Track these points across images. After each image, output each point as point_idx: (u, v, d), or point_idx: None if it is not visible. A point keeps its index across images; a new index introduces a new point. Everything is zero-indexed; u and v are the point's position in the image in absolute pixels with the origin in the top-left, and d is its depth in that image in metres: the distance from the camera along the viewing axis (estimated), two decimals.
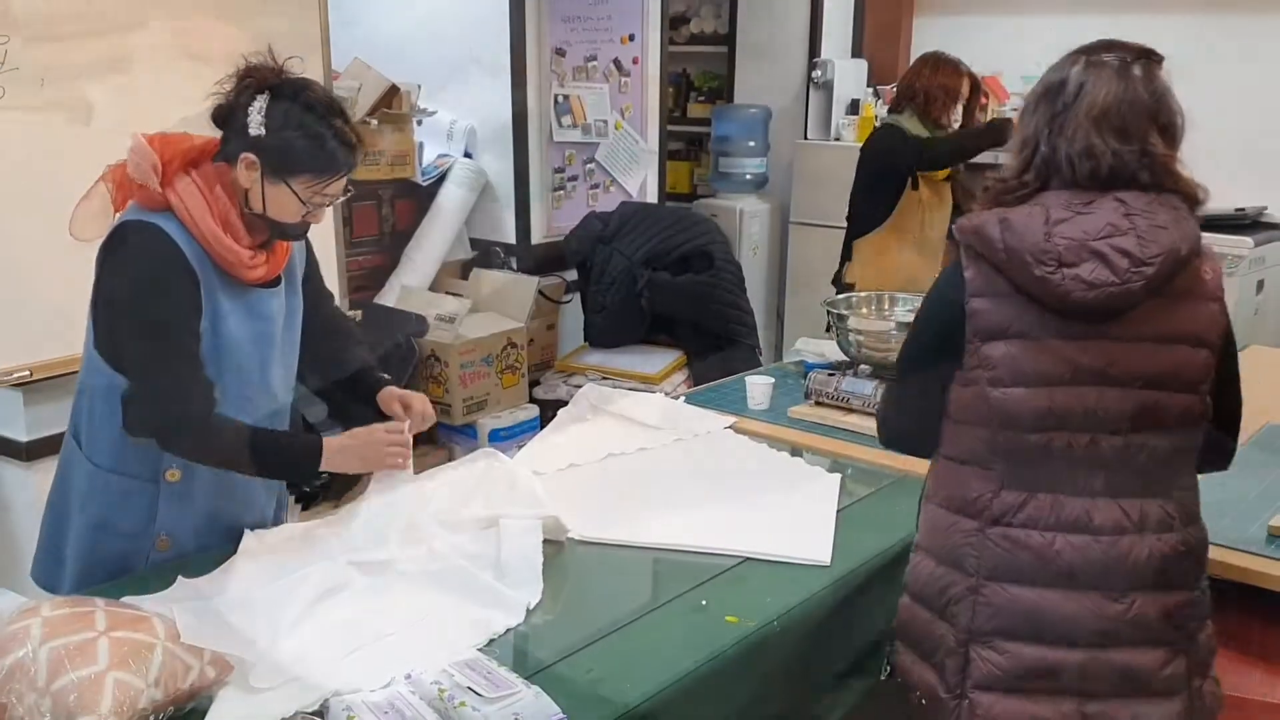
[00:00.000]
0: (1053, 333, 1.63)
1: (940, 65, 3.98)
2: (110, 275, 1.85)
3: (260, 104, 1.83)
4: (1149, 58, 1.66)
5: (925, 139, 3.90)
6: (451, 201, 4.53)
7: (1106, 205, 1.62)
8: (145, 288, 1.83)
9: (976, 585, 1.71)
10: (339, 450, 1.97)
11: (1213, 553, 2.01)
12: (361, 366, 2.20)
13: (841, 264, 4.10)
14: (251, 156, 1.84)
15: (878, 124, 4.20)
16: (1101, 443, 1.65)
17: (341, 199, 1.97)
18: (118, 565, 1.95)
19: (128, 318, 1.85)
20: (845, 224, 4.15)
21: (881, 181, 3.97)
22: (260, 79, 1.86)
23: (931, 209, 4.00)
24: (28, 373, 2.76)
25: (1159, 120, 1.63)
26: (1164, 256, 1.59)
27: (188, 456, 1.92)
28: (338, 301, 3.65)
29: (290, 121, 1.84)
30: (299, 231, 1.96)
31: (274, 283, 1.99)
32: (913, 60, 4.18)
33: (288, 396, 2.12)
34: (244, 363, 1.95)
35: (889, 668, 1.92)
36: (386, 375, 2.19)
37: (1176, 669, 1.69)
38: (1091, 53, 1.67)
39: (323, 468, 1.94)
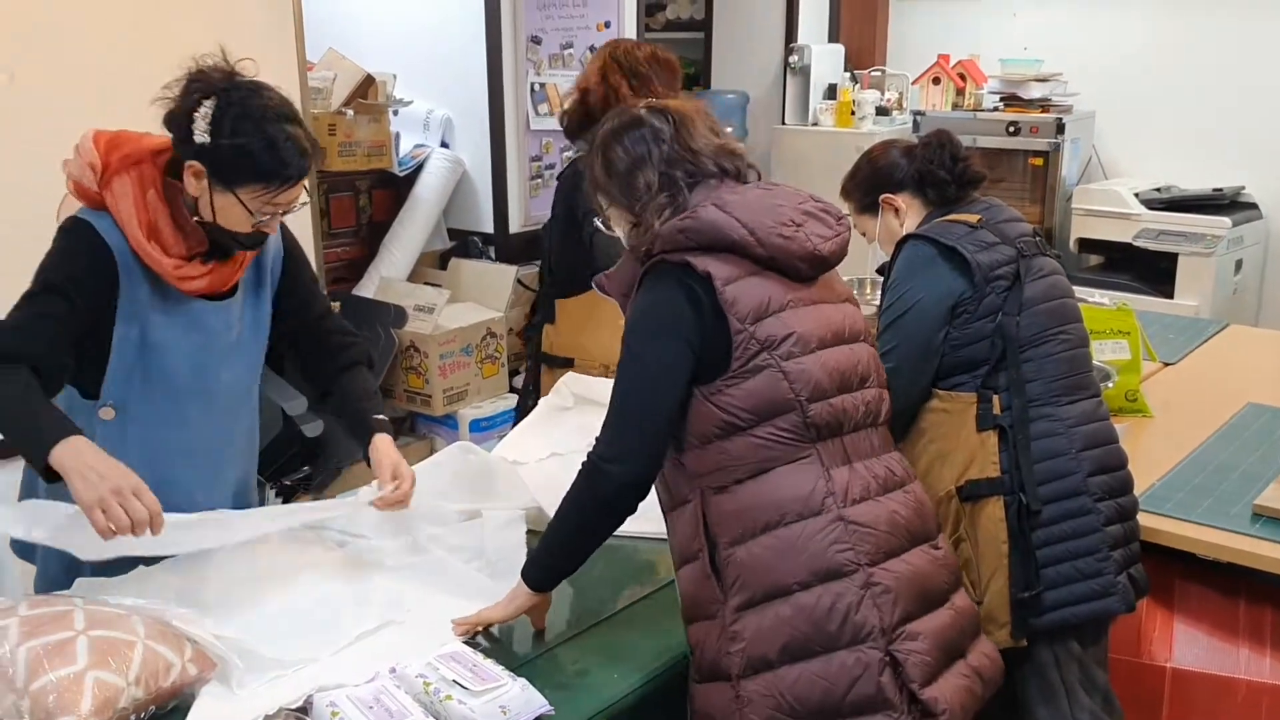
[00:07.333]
0: (799, 300, 1.63)
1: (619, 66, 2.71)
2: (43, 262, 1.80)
3: (206, 110, 1.72)
4: None
5: None
6: (429, 192, 4.50)
7: (772, 186, 1.71)
8: (50, 259, 1.78)
9: (867, 579, 1.54)
10: (74, 466, 1.62)
11: (1197, 532, 2.04)
12: (357, 395, 2.03)
13: (540, 323, 3.02)
14: (198, 165, 1.75)
15: (574, 152, 2.90)
16: (867, 399, 1.66)
17: (298, 208, 1.86)
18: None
19: None
20: (542, 275, 3.14)
21: (580, 231, 2.65)
22: (208, 83, 1.75)
23: None
24: None
25: None
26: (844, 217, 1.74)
27: None
28: None
29: (237, 129, 1.72)
30: (253, 242, 1.85)
31: (224, 294, 1.90)
32: (888, 45, 4.01)
33: (243, 411, 2.02)
34: (174, 374, 1.85)
35: None
36: (383, 418, 2.00)
37: (971, 601, 1.73)
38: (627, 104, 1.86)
39: (50, 462, 1.63)
